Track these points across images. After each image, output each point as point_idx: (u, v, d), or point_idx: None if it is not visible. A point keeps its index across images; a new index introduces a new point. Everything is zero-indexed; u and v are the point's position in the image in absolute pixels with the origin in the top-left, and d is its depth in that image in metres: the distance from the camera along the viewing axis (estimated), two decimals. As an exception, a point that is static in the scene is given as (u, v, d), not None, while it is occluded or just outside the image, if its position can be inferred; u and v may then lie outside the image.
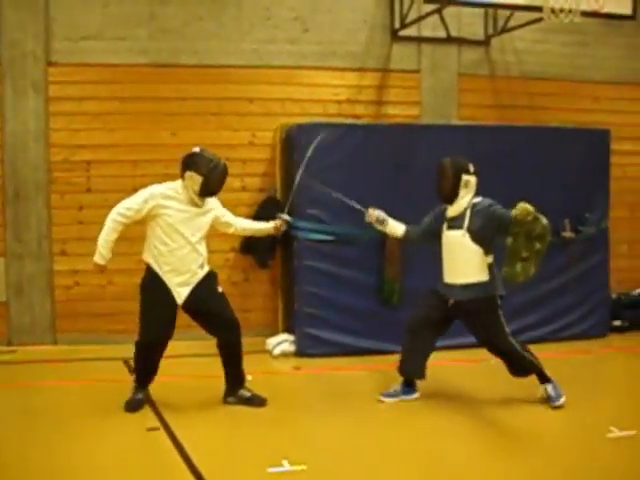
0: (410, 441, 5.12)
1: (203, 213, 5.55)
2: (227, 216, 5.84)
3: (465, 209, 5.67)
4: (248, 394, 5.74)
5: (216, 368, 5.87)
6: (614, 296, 8.78)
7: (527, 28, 8.21)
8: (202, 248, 5.56)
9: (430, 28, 8.33)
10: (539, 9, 7.02)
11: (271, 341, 7.33)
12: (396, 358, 7.05)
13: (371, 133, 7.35)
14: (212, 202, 5.68)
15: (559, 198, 7.59)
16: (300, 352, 7.16)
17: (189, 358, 7.03)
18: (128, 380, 5.93)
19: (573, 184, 7.75)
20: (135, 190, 7.46)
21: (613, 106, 9.18)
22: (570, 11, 6.84)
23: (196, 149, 5.54)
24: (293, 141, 7.35)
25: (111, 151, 7.58)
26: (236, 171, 7.74)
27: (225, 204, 7.70)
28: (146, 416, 5.47)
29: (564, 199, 7.63)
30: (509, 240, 5.32)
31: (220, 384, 5.86)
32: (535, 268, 5.35)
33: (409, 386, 6.00)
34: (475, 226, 5.56)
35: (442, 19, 8.09)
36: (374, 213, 5.99)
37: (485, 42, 8.62)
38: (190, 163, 5.45)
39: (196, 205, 5.49)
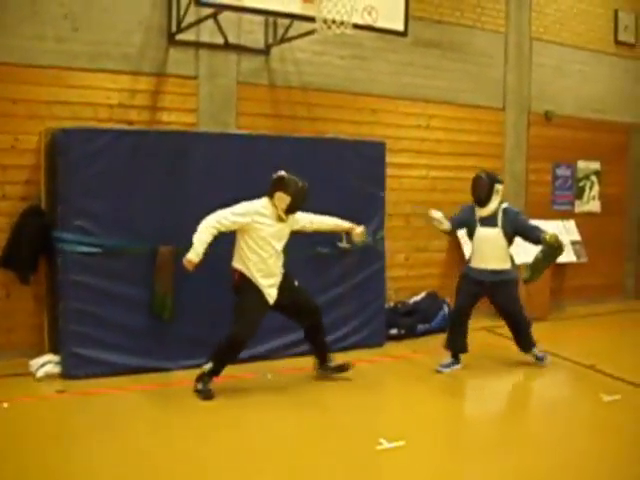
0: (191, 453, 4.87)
1: (287, 226, 6.54)
2: (301, 221, 6.76)
3: (495, 211, 7.21)
4: (333, 364, 6.96)
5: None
6: (391, 305, 9.00)
7: (307, 39, 8.21)
8: (283, 254, 6.53)
9: (208, 34, 8.10)
10: (313, 19, 6.98)
11: (34, 362, 6.76)
12: (171, 375, 6.81)
13: (143, 139, 6.98)
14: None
15: (337, 208, 7.60)
16: (65, 373, 6.63)
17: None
18: None
19: (350, 195, 7.83)
20: None
21: (389, 119, 9.44)
22: (342, 23, 6.85)
23: (282, 172, 6.41)
24: (58, 146, 6.84)
25: None
26: (-4, 178, 7.15)
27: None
28: None
29: (342, 209, 7.62)
30: (538, 254, 7.14)
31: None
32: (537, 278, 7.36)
33: (456, 358, 7.43)
34: (507, 226, 7.17)
35: (218, 25, 7.88)
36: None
37: (265, 51, 8.52)
38: (279, 185, 6.36)
39: (281, 220, 6.45)
